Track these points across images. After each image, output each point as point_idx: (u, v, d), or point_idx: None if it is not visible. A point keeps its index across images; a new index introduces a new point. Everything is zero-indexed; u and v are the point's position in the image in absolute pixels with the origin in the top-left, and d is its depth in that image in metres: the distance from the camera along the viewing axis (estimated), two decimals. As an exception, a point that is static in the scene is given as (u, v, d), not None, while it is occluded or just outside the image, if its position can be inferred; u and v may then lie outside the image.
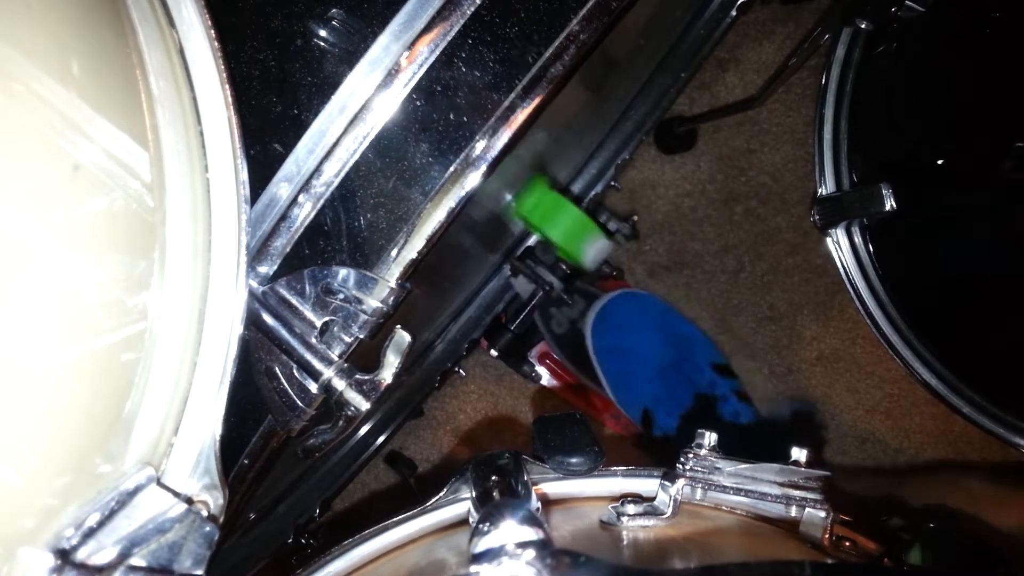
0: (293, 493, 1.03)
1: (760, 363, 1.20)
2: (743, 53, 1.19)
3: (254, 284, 0.46)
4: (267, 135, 0.47)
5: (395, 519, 0.50)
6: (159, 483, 0.36)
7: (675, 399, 1.13)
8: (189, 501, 0.38)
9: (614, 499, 0.49)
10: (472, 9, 0.43)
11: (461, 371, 1.19)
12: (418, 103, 0.45)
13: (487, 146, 0.44)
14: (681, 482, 0.44)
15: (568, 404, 1.22)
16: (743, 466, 0.43)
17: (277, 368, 0.48)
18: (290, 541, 0.97)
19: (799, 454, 0.45)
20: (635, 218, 1.11)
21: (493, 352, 1.11)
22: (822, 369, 1.20)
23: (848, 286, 0.90)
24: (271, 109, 0.47)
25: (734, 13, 1.00)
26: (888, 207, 0.77)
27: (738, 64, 1.19)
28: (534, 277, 0.99)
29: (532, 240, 1.16)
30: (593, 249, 0.99)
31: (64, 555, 0.28)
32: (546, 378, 1.21)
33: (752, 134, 1.19)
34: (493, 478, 0.44)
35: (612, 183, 1.14)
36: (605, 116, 1.12)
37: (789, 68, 0.94)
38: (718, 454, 0.45)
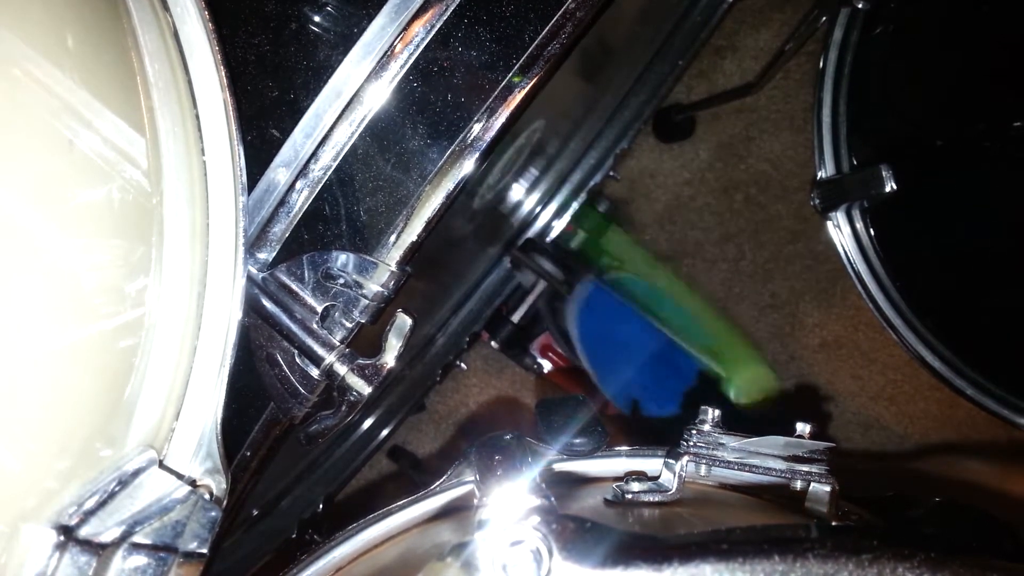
0: (296, 488, 1.03)
1: (762, 351, 1.20)
2: (740, 40, 1.19)
3: (253, 271, 0.46)
4: (263, 121, 0.46)
5: (400, 503, 0.49)
6: (161, 465, 0.36)
7: (662, 387, 1.13)
8: (192, 484, 0.38)
9: (618, 479, 0.49)
10: (467, -12, 0.43)
11: (462, 364, 1.18)
12: (414, 85, 0.44)
13: (485, 127, 0.44)
14: (685, 459, 0.44)
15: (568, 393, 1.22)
16: (747, 441, 0.43)
17: (278, 355, 0.47)
18: (294, 536, 0.97)
19: (803, 428, 0.44)
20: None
21: (494, 344, 1.11)
22: (825, 356, 1.19)
23: (849, 269, 0.90)
24: (267, 94, 0.47)
25: (731, 0, 1.00)
26: (888, 188, 0.77)
27: (735, 51, 1.19)
28: (536, 269, 0.99)
29: (532, 231, 1.16)
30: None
31: (67, 531, 0.28)
32: (547, 369, 1.21)
33: (751, 121, 1.19)
34: (496, 458, 0.44)
35: (611, 173, 1.14)
36: (603, 106, 1.12)
37: (787, 52, 0.94)
38: (722, 430, 0.45)
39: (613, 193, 1.20)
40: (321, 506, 1.02)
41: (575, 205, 1.14)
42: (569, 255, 1.10)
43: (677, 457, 0.44)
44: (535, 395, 1.24)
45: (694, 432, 0.45)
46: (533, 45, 0.43)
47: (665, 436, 0.49)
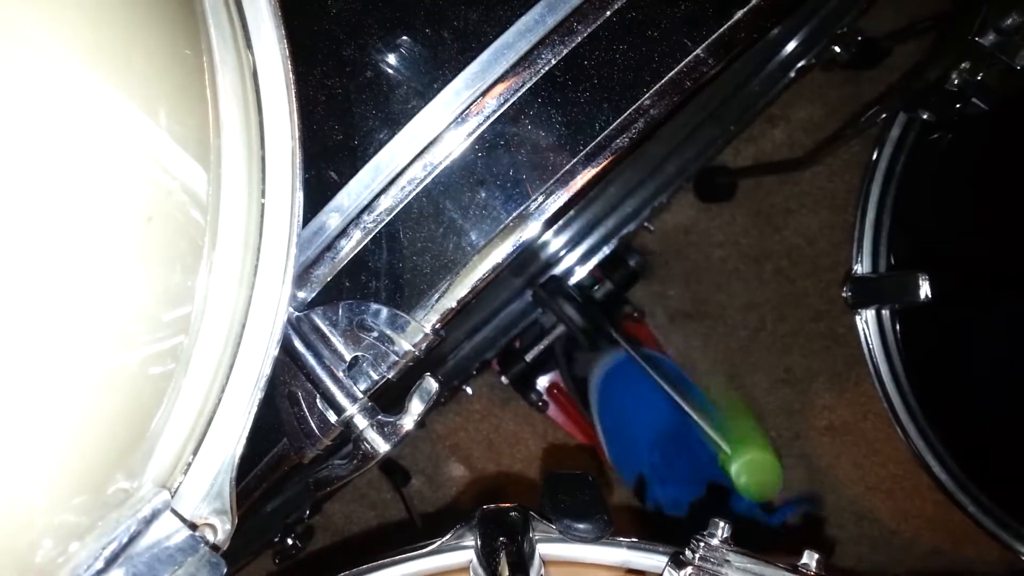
0: (286, 490, 1.03)
1: (768, 425, 1.19)
2: (793, 112, 1.18)
3: (290, 309, 0.46)
4: (324, 162, 0.46)
5: (394, 558, 0.49)
6: (173, 511, 0.36)
7: (672, 471, 1.12)
8: (194, 527, 0.38)
9: (616, 569, 0.49)
10: (546, 69, 0.43)
11: (468, 389, 1.18)
12: (479, 154, 0.44)
13: (540, 208, 0.44)
14: (689, 570, 0.44)
15: (570, 437, 1.22)
16: (754, 565, 0.43)
17: (300, 394, 0.47)
18: (276, 540, 0.97)
19: (811, 558, 0.44)
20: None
21: (504, 379, 1.11)
22: (829, 439, 1.19)
23: (870, 366, 0.89)
24: (331, 136, 0.47)
25: (792, 75, 1.00)
26: (923, 297, 0.76)
27: (788, 122, 1.19)
28: (558, 313, 0.99)
29: (557, 270, 1.16)
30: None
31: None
32: (552, 409, 1.20)
33: (792, 194, 1.19)
34: (501, 539, 0.44)
35: (645, 224, 1.13)
36: (648, 157, 1.12)
37: (843, 137, 0.94)
38: (730, 546, 0.44)
39: (644, 244, 1.20)
40: (308, 512, 1.02)
41: (605, 250, 1.13)
42: (592, 302, 1.09)
43: (680, 565, 0.44)
44: (535, 431, 1.23)
45: (701, 543, 0.45)
46: (602, 135, 0.43)
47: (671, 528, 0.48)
